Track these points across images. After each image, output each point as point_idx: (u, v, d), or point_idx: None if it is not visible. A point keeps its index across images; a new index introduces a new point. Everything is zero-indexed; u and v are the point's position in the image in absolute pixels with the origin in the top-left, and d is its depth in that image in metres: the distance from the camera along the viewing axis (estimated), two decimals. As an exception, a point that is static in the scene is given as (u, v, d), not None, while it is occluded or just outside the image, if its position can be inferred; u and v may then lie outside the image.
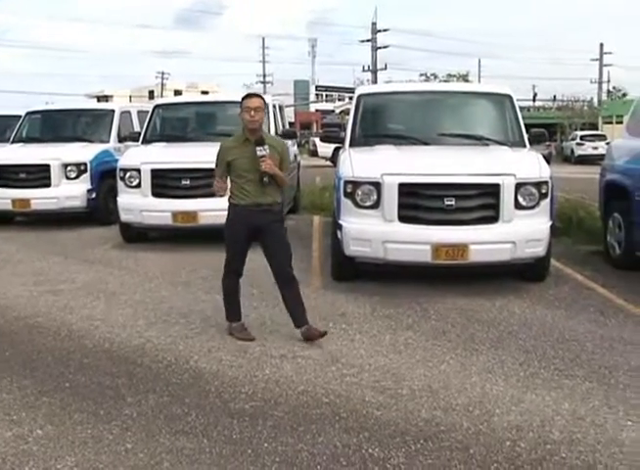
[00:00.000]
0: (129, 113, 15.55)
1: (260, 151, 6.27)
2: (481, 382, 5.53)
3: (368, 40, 64.37)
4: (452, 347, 6.35)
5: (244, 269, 6.73)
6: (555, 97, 71.23)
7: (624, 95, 76.98)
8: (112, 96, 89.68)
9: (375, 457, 4.33)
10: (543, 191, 7.96)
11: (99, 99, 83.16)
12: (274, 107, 13.14)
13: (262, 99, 6.52)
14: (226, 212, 10.27)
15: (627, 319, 7.28)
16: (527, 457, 4.35)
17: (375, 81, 61.01)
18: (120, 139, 14.54)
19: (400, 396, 5.26)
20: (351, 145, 9.27)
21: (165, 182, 11.02)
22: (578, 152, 45.37)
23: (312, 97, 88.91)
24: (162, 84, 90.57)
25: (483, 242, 7.62)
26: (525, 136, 9.42)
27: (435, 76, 79.61)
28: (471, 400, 5.17)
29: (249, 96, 6.52)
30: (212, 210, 10.56)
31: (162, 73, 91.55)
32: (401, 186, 7.72)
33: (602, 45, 71.22)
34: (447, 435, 4.63)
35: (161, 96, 72.26)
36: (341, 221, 8.09)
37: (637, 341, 6.57)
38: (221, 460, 4.31)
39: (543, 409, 5.03)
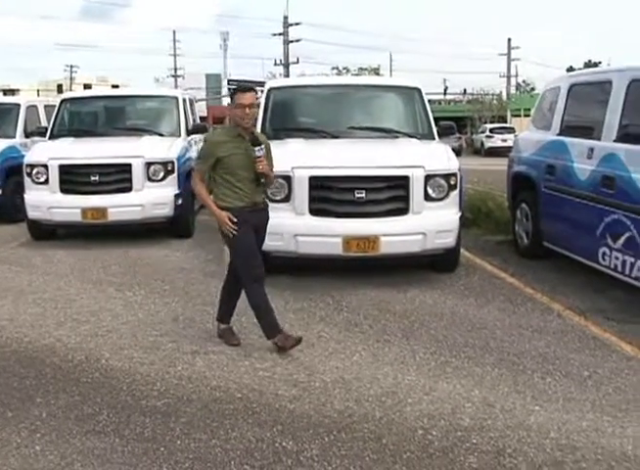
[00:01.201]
0: (36, 107, 15.15)
1: (259, 151, 5.94)
2: (394, 372, 5.59)
3: (280, 34, 64.31)
4: (364, 338, 6.40)
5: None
6: (465, 91, 72.16)
7: (533, 89, 78.67)
8: (18, 90, 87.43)
9: (288, 450, 4.34)
10: (452, 183, 8.08)
11: (5, 93, 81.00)
12: (184, 101, 13.01)
13: (255, 92, 6.13)
14: (138, 208, 10.04)
15: (535, 307, 7.45)
16: (439, 445, 4.42)
17: (287, 75, 60.95)
18: (27, 134, 14.14)
19: (313, 388, 5.28)
20: (262, 139, 9.23)
21: (74, 178, 10.80)
22: (488, 144, 46.20)
23: (224, 91, 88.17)
24: (71, 78, 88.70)
25: (394, 234, 7.70)
26: (435, 129, 9.55)
27: (347, 70, 79.91)
28: (383, 391, 5.23)
29: (242, 91, 6.04)
30: (122, 205, 10.45)
31: (71, 67, 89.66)
32: (312, 179, 7.74)
33: (510, 40, 72.53)
34: (360, 425, 4.67)
35: (70, 90, 70.82)
36: (252, 215, 8.05)
37: (544, 328, 6.74)
38: (133, 459, 4.25)
39: (454, 397, 5.12)
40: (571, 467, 4.16)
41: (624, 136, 7.41)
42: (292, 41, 64.24)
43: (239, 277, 6.19)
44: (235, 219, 5.91)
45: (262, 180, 6.07)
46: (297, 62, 65.01)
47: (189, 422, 4.73)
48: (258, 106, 6.01)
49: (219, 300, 6.54)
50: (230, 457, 4.26)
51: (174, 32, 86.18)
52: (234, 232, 5.92)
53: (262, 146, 5.98)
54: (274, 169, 7.63)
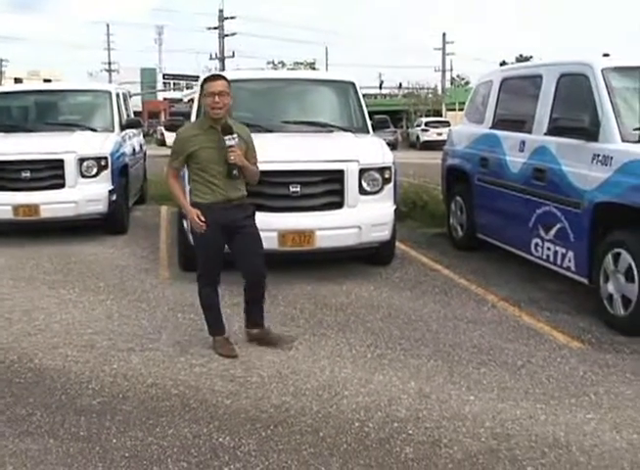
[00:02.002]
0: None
1: (229, 140, 5.57)
2: (330, 366, 5.61)
3: (215, 28, 63.98)
4: (301, 332, 6.41)
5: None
6: (401, 85, 72.75)
7: (467, 83, 79.52)
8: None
9: (225, 446, 4.33)
10: (386, 176, 8.13)
11: None
12: (118, 95, 12.85)
13: (227, 81, 5.74)
14: (71, 205, 9.84)
15: (470, 298, 7.56)
16: (376, 436, 4.45)
17: (223, 69, 60.62)
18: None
19: (250, 383, 5.28)
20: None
21: (5, 174, 10.54)
22: (424, 138, 46.59)
23: (160, 85, 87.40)
24: (0, 72, 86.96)
25: (329, 228, 7.72)
26: (369, 123, 9.59)
27: (283, 64, 79.98)
28: (320, 384, 5.24)
29: (211, 78, 5.76)
30: (55, 202, 10.27)
31: (1, 61, 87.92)
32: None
33: (444, 35, 73.25)
34: (297, 419, 4.68)
35: (0, 84, 69.42)
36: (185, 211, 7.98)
37: (478, 319, 6.84)
38: (68, 459, 4.19)
39: (390, 389, 5.16)
40: (506, 455, 4.22)
41: (555, 129, 7.53)
42: (227, 35, 64.03)
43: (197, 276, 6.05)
44: (203, 218, 5.66)
45: (235, 172, 5.67)
46: (233, 56, 64.87)
47: (125, 420, 4.68)
48: (228, 95, 5.68)
49: (204, 314, 6.20)
50: (166, 454, 4.23)
51: (108, 26, 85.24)
52: (201, 230, 5.70)
53: (234, 135, 5.61)
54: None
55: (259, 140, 8.61)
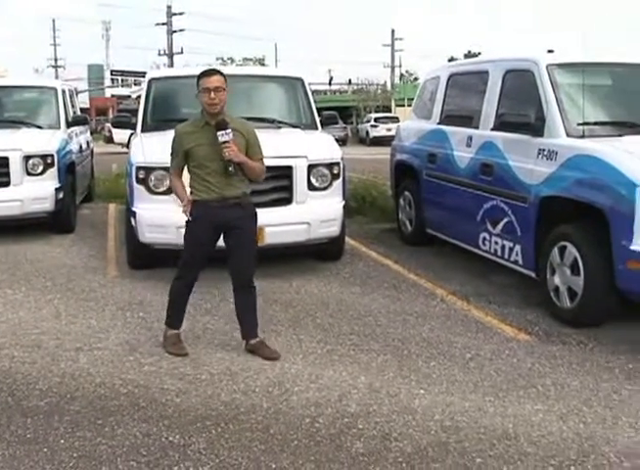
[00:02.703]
0: None
1: (222, 136, 5.41)
2: (280, 362, 5.60)
3: (163, 23, 63.46)
4: (251, 329, 6.38)
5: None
6: (350, 81, 72.85)
7: (416, 79, 79.94)
8: None
9: (175, 445, 4.30)
10: (335, 172, 8.15)
11: None
12: (64, 92, 12.67)
13: (223, 76, 5.56)
14: (17, 204, 9.69)
15: (419, 293, 7.61)
16: (326, 432, 4.45)
17: (171, 65, 60.28)
18: None
19: (200, 381, 5.25)
20: (143, 130, 9.10)
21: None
22: (373, 134, 46.77)
23: (107, 82, 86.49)
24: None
25: (278, 224, 7.70)
26: (317, 119, 9.60)
27: (232, 61, 79.67)
28: (270, 381, 5.23)
29: (206, 74, 5.53)
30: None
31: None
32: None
33: (393, 31, 73.54)
34: (247, 416, 4.67)
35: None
36: (134, 208, 7.94)
37: (427, 313, 6.89)
38: (14, 462, 4.11)
39: (341, 384, 5.17)
40: (455, 447, 4.26)
41: (501, 125, 7.62)
42: (175, 31, 63.52)
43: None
44: (194, 213, 5.63)
45: (230, 169, 5.49)
46: (182, 52, 64.36)
47: (73, 420, 4.62)
48: (225, 90, 5.51)
49: (168, 303, 6.06)
50: (116, 454, 4.18)
51: (54, 21, 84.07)
52: (188, 223, 5.69)
53: (229, 130, 5.43)
54: (156, 161, 7.36)
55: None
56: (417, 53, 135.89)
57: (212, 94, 5.42)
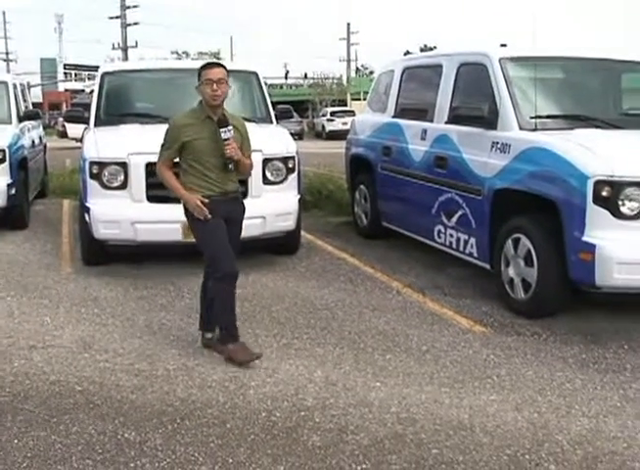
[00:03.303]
0: None
1: (225, 133, 5.33)
2: (237, 356, 5.58)
3: (117, 17, 62.80)
4: (207, 324, 6.36)
5: None
6: (306, 75, 72.87)
7: (371, 73, 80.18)
8: None
9: (131, 442, 4.26)
10: (290, 166, 8.15)
11: None
12: (15, 86, 12.49)
13: (225, 68, 5.48)
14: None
15: (375, 286, 7.63)
16: (283, 425, 4.46)
17: (126, 59, 59.67)
18: None
19: (156, 377, 5.21)
20: (96, 125, 9.00)
21: None
22: (329, 127, 46.80)
23: (61, 76, 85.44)
24: None
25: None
26: (272, 113, 9.58)
27: (187, 55, 79.27)
28: (226, 376, 5.22)
29: (209, 66, 5.45)
30: None
31: None
32: (148, 166, 7.58)
33: (349, 25, 73.69)
34: (204, 411, 4.65)
35: None
36: (88, 204, 7.85)
37: (383, 306, 6.91)
38: (-34, 463, 4.06)
39: (297, 378, 5.17)
40: (412, 439, 4.28)
41: (455, 118, 7.66)
42: (129, 24, 62.88)
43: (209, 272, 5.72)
44: (206, 201, 5.41)
45: (230, 166, 5.43)
46: (136, 46, 63.69)
47: (27, 420, 4.56)
48: (227, 83, 5.43)
49: (200, 306, 5.94)
50: (71, 453, 4.14)
51: (4, 13, 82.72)
52: (204, 215, 5.41)
53: (230, 127, 5.36)
54: (110, 156, 7.27)
55: (162, 131, 8.57)
56: (373, 47, 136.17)
57: (215, 86, 5.31)
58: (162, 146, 5.58)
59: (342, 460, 4.04)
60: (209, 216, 5.42)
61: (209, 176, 5.44)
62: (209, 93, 5.33)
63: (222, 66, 5.52)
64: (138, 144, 7.91)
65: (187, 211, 5.56)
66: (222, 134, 5.34)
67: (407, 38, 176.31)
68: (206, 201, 5.40)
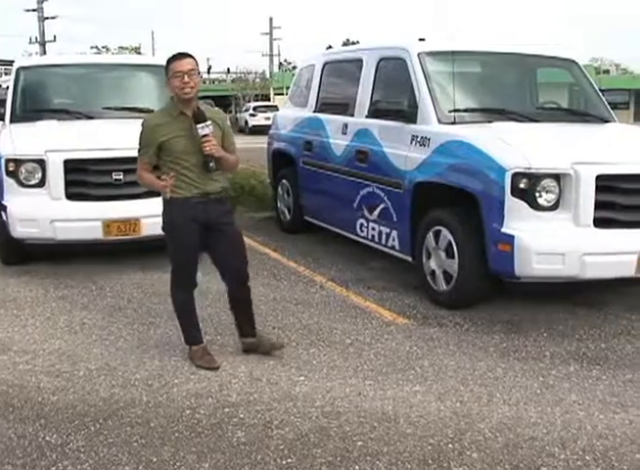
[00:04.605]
0: None
1: (202, 129, 4.92)
2: (160, 355, 5.55)
3: (34, 10, 61.43)
4: (129, 322, 6.29)
5: None
6: (229, 69, 72.52)
7: (294, 68, 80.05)
8: None
9: (53, 444, 4.19)
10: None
11: None
12: None
13: (194, 59, 5.06)
14: None
15: (298, 280, 7.65)
16: (207, 422, 4.44)
17: (44, 54, 58.45)
18: None
19: (77, 377, 5.13)
20: (12, 121, 8.78)
21: None
22: (252, 122, 46.66)
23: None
24: None
25: (155, 215, 7.46)
26: (193, 108, 9.48)
27: (108, 49, 78.17)
28: (150, 374, 5.17)
29: (177, 57, 5.00)
30: None
31: None
32: (67, 163, 7.47)
33: (271, 19, 73.41)
34: (127, 411, 4.60)
35: None
36: (4, 202, 7.67)
37: (307, 300, 6.93)
38: None
39: (221, 374, 5.16)
40: (336, 432, 4.30)
41: (375, 112, 7.71)
42: (47, 18, 61.54)
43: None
44: (171, 181, 4.97)
45: (212, 164, 5.01)
46: (55, 40, 62.38)
47: (-58, 425, 4.46)
48: (199, 74, 5.08)
49: (178, 320, 5.58)
50: (-10, 458, 4.06)
51: None
52: (169, 188, 4.97)
53: (208, 122, 4.97)
54: (27, 153, 7.10)
55: (80, 127, 8.45)
56: (296, 41, 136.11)
57: (186, 77, 4.92)
58: (139, 151, 5.21)
59: (268, 455, 4.05)
60: (168, 194, 5.03)
61: (187, 176, 5.05)
62: (180, 86, 4.94)
63: (191, 56, 5.09)
64: (56, 141, 7.77)
65: (164, 215, 5.28)
66: (200, 130, 4.95)
67: (331, 33, 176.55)
68: (170, 175, 4.98)
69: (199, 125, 4.95)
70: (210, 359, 5.36)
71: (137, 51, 77.50)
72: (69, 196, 7.55)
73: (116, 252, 8.25)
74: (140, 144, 5.20)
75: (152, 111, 8.89)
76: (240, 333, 5.65)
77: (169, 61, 5.03)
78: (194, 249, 5.24)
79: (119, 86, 9.50)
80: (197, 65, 5.08)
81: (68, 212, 7.50)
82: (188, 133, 5.00)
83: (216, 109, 5.49)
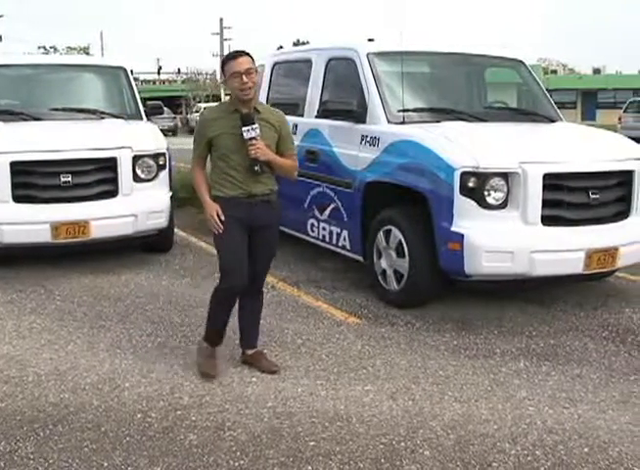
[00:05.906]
0: None
1: (248, 132, 4.76)
2: (110, 358, 5.49)
3: (-22, 11, 60.65)
4: (79, 326, 6.22)
5: None
6: (179, 70, 72.05)
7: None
8: None
9: (1, 451, 4.13)
10: (161, 162, 8.05)
11: None
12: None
13: (250, 56, 4.87)
14: None
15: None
16: (159, 426, 4.41)
17: (-11, 55, 57.61)
18: None
19: (26, 383, 5.06)
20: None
21: None
22: (202, 123, 46.43)
23: None
24: None
25: (104, 217, 7.53)
26: (142, 109, 9.42)
27: (55, 49, 77.21)
28: (100, 378, 5.12)
29: (233, 56, 4.84)
30: None
31: None
32: (13, 165, 7.34)
33: (222, 20, 73.11)
34: (77, 416, 4.55)
35: None
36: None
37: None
38: None
39: (172, 377, 5.13)
40: (289, 433, 4.31)
41: (325, 112, 7.72)
42: (-8, 18, 60.80)
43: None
44: (222, 217, 4.88)
45: (257, 168, 4.85)
46: (1, 40, 61.63)
47: None
48: (256, 72, 4.89)
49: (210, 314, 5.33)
50: (-64, 467, 3.98)
51: None
52: (217, 230, 4.92)
53: (255, 126, 4.78)
54: None
55: (27, 129, 8.33)
56: (247, 42, 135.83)
57: (245, 78, 4.76)
58: (194, 143, 5.09)
59: (220, 457, 4.04)
60: (220, 231, 4.93)
61: (232, 175, 4.91)
62: (239, 87, 4.79)
63: (247, 54, 4.89)
64: (1, 142, 7.64)
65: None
66: (245, 133, 4.78)
67: (282, 34, 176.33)
68: (222, 218, 4.90)
69: (244, 128, 4.79)
70: (212, 364, 5.20)
71: (86, 51, 76.69)
72: (16, 198, 7.43)
73: (66, 255, 8.16)
74: (194, 138, 5.09)
75: (101, 112, 8.93)
76: (241, 343, 5.48)
77: (225, 61, 4.89)
78: (240, 248, 5.00)
79: (68, 87, 9.39)
80: (253, 62, 4.90)
81: (15, 215, 7.37)
82: (237, 131, 4.83)
83: (276, 111, 5.23)
